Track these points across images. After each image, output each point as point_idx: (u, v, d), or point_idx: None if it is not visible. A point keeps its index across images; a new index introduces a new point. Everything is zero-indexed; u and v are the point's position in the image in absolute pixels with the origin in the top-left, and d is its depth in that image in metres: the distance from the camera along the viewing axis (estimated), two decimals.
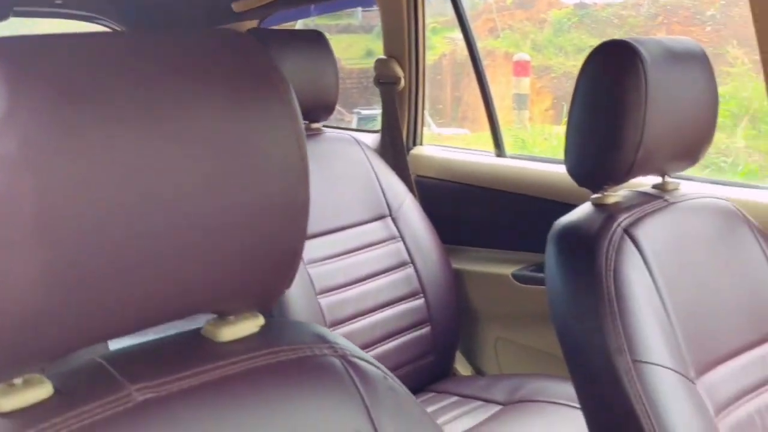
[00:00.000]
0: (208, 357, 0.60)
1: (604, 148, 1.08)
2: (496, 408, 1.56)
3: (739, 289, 1.13)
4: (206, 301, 0.59)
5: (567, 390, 1.52)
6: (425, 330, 1.73)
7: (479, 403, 1.60)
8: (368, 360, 0.67)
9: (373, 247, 1.74)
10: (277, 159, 0.57)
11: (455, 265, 1.87)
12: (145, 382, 0.56)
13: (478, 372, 1.97)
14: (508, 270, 1.83)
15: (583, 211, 1.13)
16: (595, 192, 1.14)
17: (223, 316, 0.63)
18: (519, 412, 1.51)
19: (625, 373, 0.96)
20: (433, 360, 1.73)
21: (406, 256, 1.76)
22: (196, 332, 0.64)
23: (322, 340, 0.66)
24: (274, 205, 0.58)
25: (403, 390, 0.67)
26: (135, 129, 0.50)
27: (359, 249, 1.72)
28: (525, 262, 1.83)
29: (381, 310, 1.68)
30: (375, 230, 1.76)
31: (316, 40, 1.73)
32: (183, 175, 0.53)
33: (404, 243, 1.77)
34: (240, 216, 0.56)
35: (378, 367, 0.67)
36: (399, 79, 2.10)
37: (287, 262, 0.61)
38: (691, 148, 1.15)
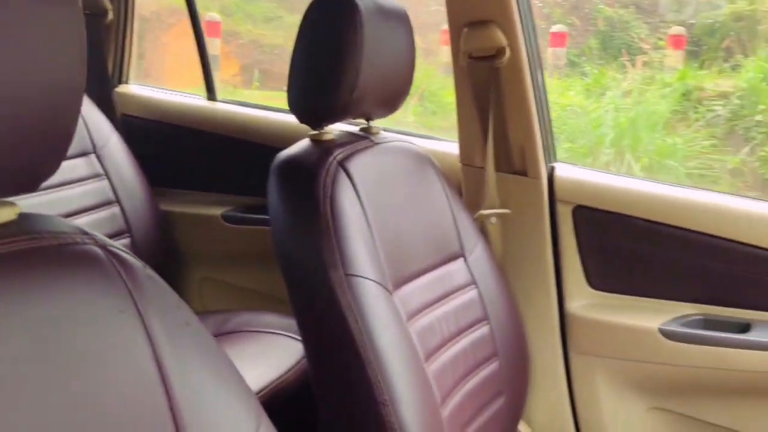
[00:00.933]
0: None
1: (324, 89, 1.20)
2: None
3: (426, 219, 1.33)
4: None
5: (273, 320, 1.64)
6: None
7: None
8: (127, 251, 0.70)
9: (76, 185, 1.68)
10: (54, 41, 0.57)
11: (164, 206, 1.88)
12: None
13: None
14: (217, 211, 1.89)
15: (302, 146, 1.24)
16: (314, 129, 1.26)
17: None
18: (230, 341, 1.59)
19: (339, 285, 1.09)
20: None
21: (111, 195, 1.72)
22: None
23: (82, 231, 0.67)
24: (47, 87, 0.58)
25: (159, 279, 0.72)
26: None
27: (60, 185, 1.64)
28: (235, 204, 1.91)
29: None
30: (77, 167, 1.69)
31: None
32: None
33: (110, 181, 1.73)
34: (8, 95, 0.56)
35: (136, 258, 0.70)
36: (106, 11, 2.01)
37: (55, 146, 0.61)
38: (393, 97, 1.32)
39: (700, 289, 1.46)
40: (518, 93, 1.47)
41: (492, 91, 1.47)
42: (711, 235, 1.42)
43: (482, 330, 1.36)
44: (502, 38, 1.43)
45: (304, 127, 1.73)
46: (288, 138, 1.71)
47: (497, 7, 1.42)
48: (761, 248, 1.39)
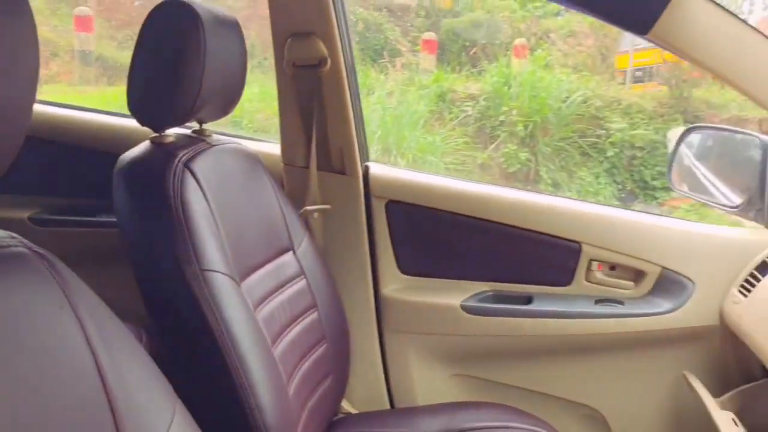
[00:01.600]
0: None
1: (168, 94, 1.24)
2: None
3: (261, 216, 1.42)
4: None
5: None
6: None
7: None
8: (48, 252, 0.73)
9: None
10: (7, 54, 0.61)
11: None
12: None
13: None
14: (23, 214, 1.80)
15: (145, 148, 1.27)
16: (155, 132, 1.29)
17: None
18: None
19: (194, 280, 1.16)
20: None
21: None
22: None
23: (10, 235, 0.70)
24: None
25: (78, 278, 0.76)
26: None
27: None
28: (40, 206, 1.83)
29: None
30: None
31: None
32: None
33: None
34: None
35: (57, 259, 0.74)
36: None
37: (6, 146, 0.64)
38: (230, 101, 1.39)
39: (492, 269, 1.71)
40: (338, 99, 1.61)
41: (314, 97, 1.60)
42: (500, 223, 1.68)
43: (312, 317, 1.48)
44: (323, 49, 1.57)
45: (111, 125, 1.75)
46: (96, 138, 1.70)
47: (319, 21, 1.55)
48: (538, 232, 1.67)
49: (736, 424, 1.40)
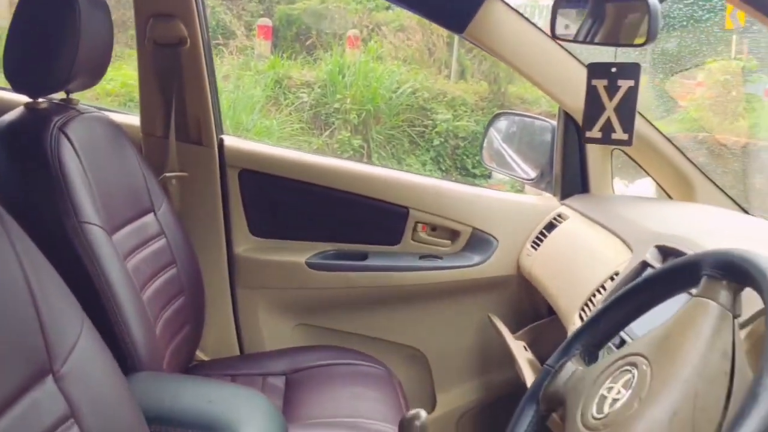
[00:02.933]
0: None
1: (45, 63, 1.36)
2: None
3: (126, 178, 1.57)
4: None
5: None
6: None
7: None
8: None
9: None
10: None
11: None
12: None
13: None
14: None
15: (21, 113, 1.38)
16: (31, 98, 1.40)
17: None
18: None
19: (73, 231, 1.31)
20: None
21: None
22: None
23: None
24: None
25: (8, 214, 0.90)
26: None
27: None
28: None
29: None
30: None
31: None
32: None
33: None
34: None
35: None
36: None
37: None
38: (96, 74, 1.52)
39: (333, 231, 1.96)
40: (196, 76, 1.78)
41: (174, 73, 1.76)
42: (340, 191, 1.93)
43: (172, 272, 1.64)
44: (183, 30, 1.73)
45: None
46: None
47: (180, 4, 1.72)
48: (373, 198, 1.94)
49: (526, 350, 1.74)
